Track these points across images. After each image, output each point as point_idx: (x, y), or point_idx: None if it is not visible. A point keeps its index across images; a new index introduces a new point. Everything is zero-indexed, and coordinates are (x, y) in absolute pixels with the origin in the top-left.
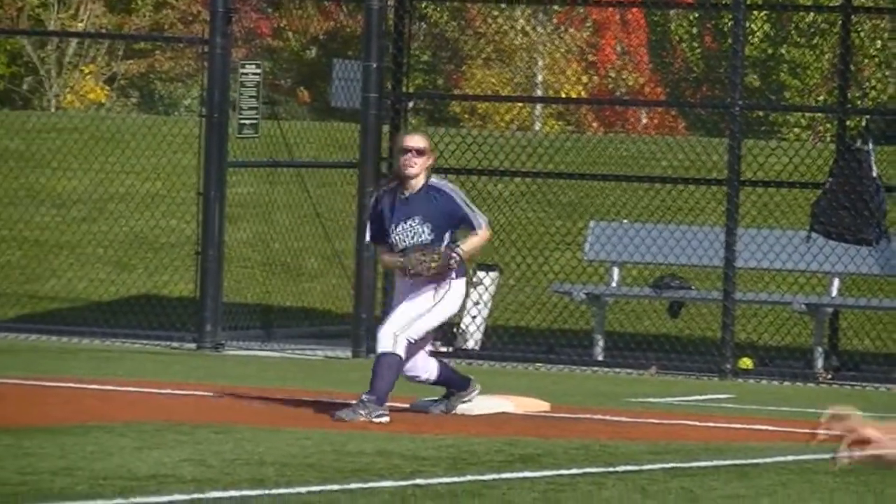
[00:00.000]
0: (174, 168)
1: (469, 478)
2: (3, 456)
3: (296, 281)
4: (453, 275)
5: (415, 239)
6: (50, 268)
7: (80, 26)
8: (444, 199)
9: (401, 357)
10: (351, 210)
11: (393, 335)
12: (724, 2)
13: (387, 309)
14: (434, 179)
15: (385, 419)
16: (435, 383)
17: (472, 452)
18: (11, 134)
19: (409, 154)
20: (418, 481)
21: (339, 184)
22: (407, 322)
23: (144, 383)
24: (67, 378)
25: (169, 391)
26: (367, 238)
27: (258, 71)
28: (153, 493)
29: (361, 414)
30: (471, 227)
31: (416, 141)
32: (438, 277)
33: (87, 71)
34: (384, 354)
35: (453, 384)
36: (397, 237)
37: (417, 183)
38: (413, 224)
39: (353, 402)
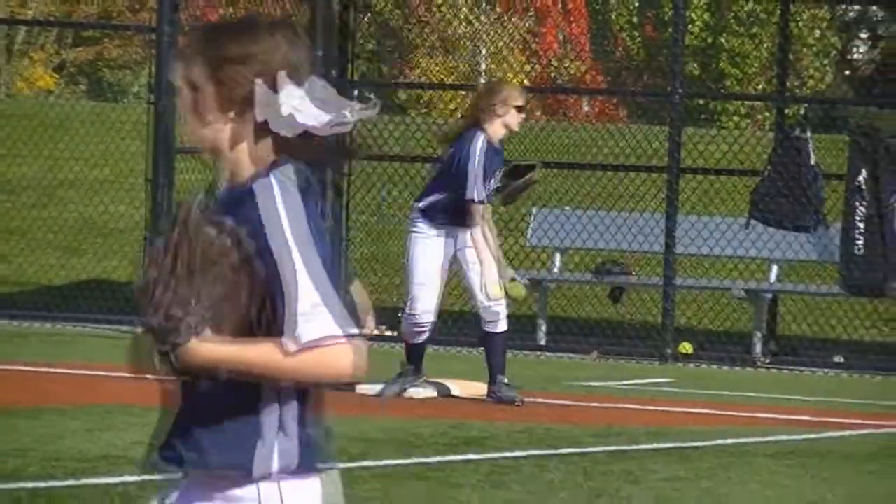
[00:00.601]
0: (122, 154)
1: (415, 460)
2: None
3: None
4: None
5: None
6: (11, 252)
7: (30, 14)
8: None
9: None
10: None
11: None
12: None
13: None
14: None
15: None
16: (421, 345)
17: (418, 435)
18: None
19: (523, 113)
20: (366, 463)
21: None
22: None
23: (95, 366)
24: (19, 361)
25: (119, 374)
26: (478, 197)
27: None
28: (104, 474)
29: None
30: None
31: (524, 98)
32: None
33: (36, 58)
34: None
35: (417, 361)
36: (492, 183)
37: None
38: (499, 172)
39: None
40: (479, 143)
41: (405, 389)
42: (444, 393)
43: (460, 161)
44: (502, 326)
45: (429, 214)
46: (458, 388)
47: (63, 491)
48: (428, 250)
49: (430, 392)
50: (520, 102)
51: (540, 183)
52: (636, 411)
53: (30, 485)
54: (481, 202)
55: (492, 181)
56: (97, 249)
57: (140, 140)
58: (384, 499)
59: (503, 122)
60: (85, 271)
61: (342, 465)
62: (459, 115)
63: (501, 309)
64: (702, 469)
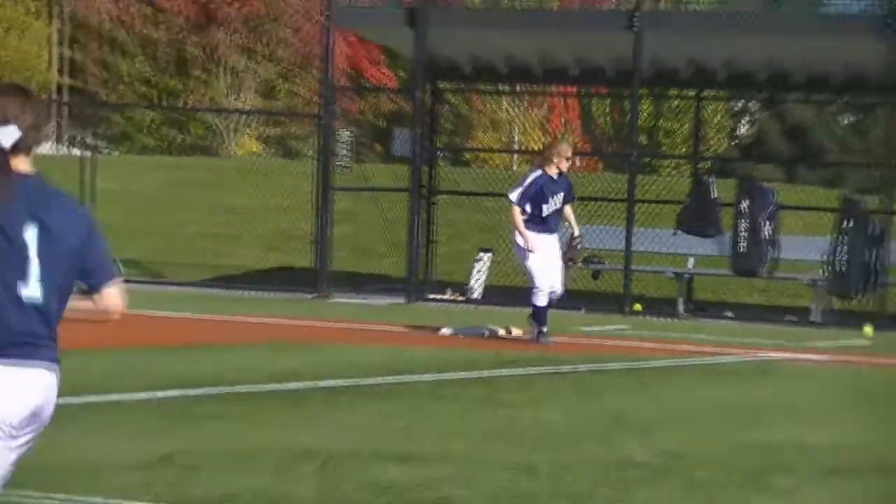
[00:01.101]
0: (300, 191)
1: (475, 374)
2: (197, 359)
3: (370, 258)
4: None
5: (557, 205)
6: (223, 251)
7: (245, 105)
8: (566, 181)
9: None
10: (404, 216)
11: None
12: (626, 92)
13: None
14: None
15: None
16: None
17: (473, 360)
18: (206, 171)
19: (566, 159)
20: (444, 376)
21: (397, 201)
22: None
23: (280, 317)
24: (236, 315)
25: (296, 322)
26: (517, 201)
27: (349, 133)
28: (288, 381)
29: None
30: (570, 200)
31: (568, 152)
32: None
33: (248, 133)
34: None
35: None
36: (552, 202)
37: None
38: (558, 196)
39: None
40: (533, 174)
41: (495, 332)
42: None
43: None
44: (542, 301)
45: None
46: (503, 330)
47: (263, 392)
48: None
49: (488, 332)
50: (567, 154)
51: None
52: (607, 344)
53: (239, 389)
54: (516, 204)
55: (551, 199)
56: (285, 248)
57: (310, 182)
58: (456, 399)
59: (556, 165)
60: (277, 261)
61: (432, 377)
62: (502, 167)
63: (541, 290)
64: (645, 377)
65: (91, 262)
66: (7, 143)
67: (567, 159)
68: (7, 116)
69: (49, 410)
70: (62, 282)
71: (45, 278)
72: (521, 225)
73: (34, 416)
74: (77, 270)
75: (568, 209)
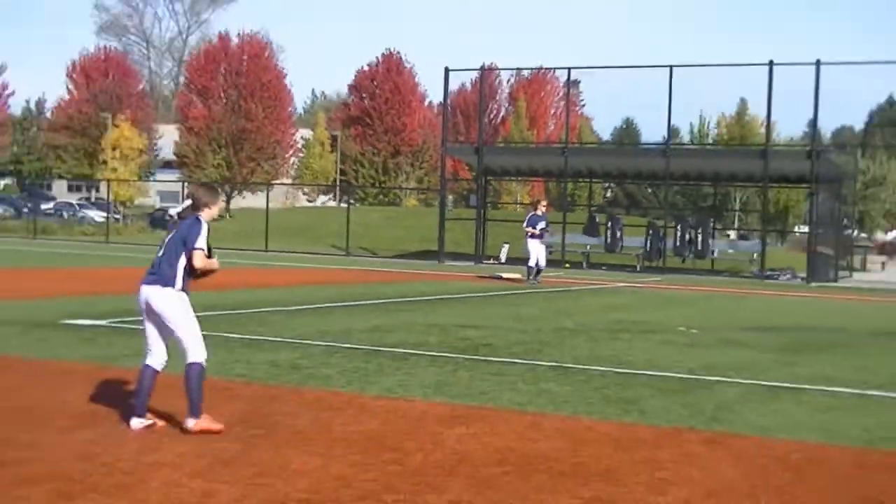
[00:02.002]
0: (434, 220)
1: (500, 292)
2: (389, 287)
3: (461, 246)
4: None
5: (542, 225)
6: (406, 243)
7: (409, 185)
8: (545, 216)
9: (537, 263)
10: (472, 230)
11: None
12: (561, 181)
13: (530, 254)
14: (544, 211)
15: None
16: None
17: (506, 286)
18: (394, 212)
19: (542, 205)
20: (490, 294)
21: (471, 223)
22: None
23: (416, 271)
24: (403, 269)
25: (426, 272)
26: (526, 224)
27: (451, 197)
28: (369, 299)
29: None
30: (547, 224)
31: (543, 202)
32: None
33: (413, 197)
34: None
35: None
36: (539, 224)
37: (541, 211)
38: (542, 222)
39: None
40: (531, 213)
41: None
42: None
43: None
44: (532, 264)
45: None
46: (512, 274)
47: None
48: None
49: (512, 275)
50: (544, 203)
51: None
52: (557, 281)
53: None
54: (527, 226)
55: (537, 225)
56: (428, 242)
57: (436, 216)
58: (487, 304)
59: (540, 208)
60: (421, 247)
61: (480, 294)
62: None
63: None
64: (571, 294)
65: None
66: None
67: (544, 205)
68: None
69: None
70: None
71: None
72: (528, 234)
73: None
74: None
75: (545, 226)
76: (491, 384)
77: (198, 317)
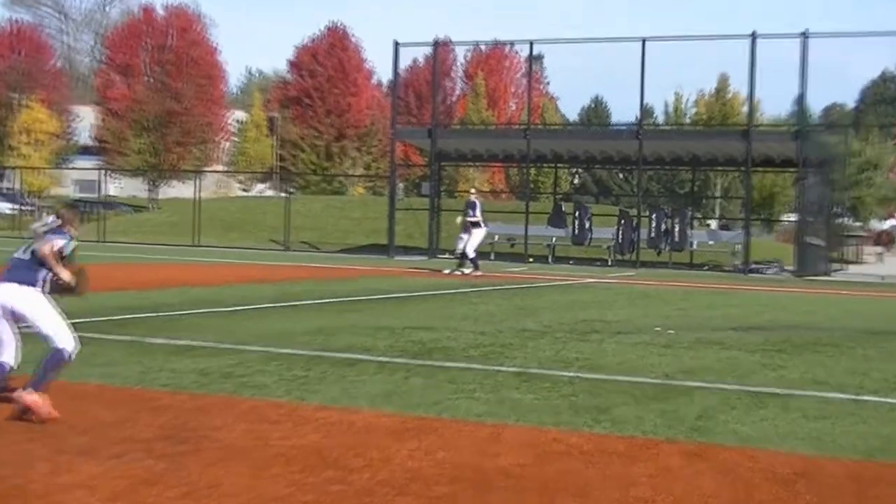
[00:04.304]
0: (383, 211)
1: (452, 290)
2: (335, 285)
3: (413, 239)
4: (479, 227)
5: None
6: (337, 238)
7: (357, 172)
8: (474, 203)
9: (476, 253)
10: (425, 221)
11: (473, 250)
12: (524, 166)
13: (458, 242)
14: (478, 197)
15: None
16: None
17: (453, 284)
18: (340, 202)
19: (472, 193)
20: (441, 291)
21: (423, 214)
22: (475, 245)
23: (371, 266)
24: (349, 265)
25: (385, 270)
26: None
27: (401, 185)
28: (364, 295)
29: (469, 273)
30: (474, 211)
31: (473, 190)
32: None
33: (359, 185)
34: (474, 256)
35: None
36: (459, 221)
37: (473, 198)
38: (464, 217)
39: (461, 270)
40: (469, 200)
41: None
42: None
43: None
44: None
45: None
46: (467, 271)
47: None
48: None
49: (457, 273)
50: (474, 190)
51: (490, 216)
52: (519, 277)
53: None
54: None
55: (469, 211)
56: (376, 235)
57: (385, 206)
58: (446, 305)
59: (476, 196)
60: (373, 241)
61: (432, 292)
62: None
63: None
64: (533, 291)
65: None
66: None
67: (474, 191)
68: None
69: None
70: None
71: None
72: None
73: None
74: None
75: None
76: (446, 392)
77: (115, 320)
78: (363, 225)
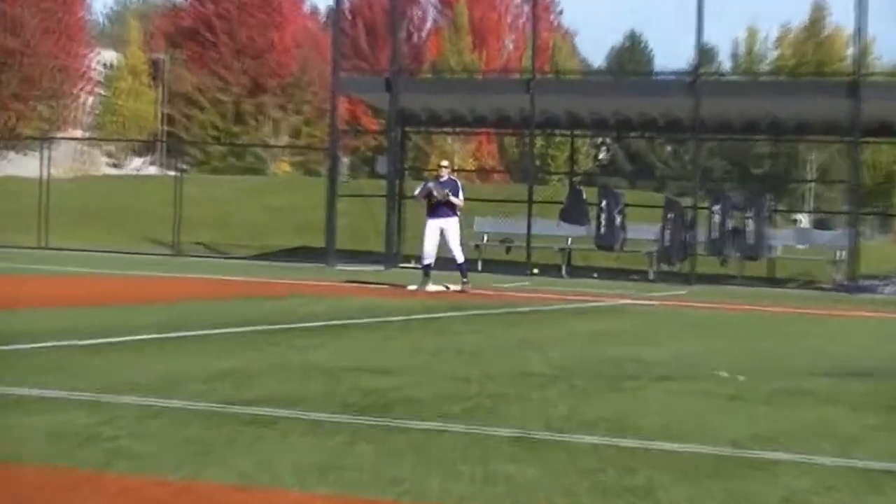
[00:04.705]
0: (318, 196)
1: (430, 315)
2: (247, 307)
3: (363, 240)
4: (456, 218)
5: (439, 199)
6: (257, 235)
7: (280, 142)
8: (454, 183)
9: (465, 259)
10: (382, 214)
11: (460, 254)
12: (525, 133)
13: (422, 236)
14: (453, 176)
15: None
16: (428, 267)
17: (431, 305)
18: (256, 184)
19: (441, 169)
20: (411, 317)
21: (379, 203)
22: (459, 245)
23: (303, 280)
24: (269, 277)
25: (313, 283)
26: (417, 193)
27: (347, 159)
28: (298, 322)
29: (469, 285)
30: (456, 195)
31: (444, 162)
32: (447, 214)
33: (283, 160)
34: (462, 263)
35: (429, 275)
36: (437, 192)
37: (445, 177)
38: (442, 188)
39: (455, 285)
40: (428, 182)
41: (425, 287)
42: (443, 289)
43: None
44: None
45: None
46: (451, 287)
47: (318, 327)
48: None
49: (437, 288)
50: (446, 164)
51: (480, 207)
52: (517, 296)
53: (287, 326)
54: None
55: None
56: (309, 233)
57: (323, 191)
58: (421, 335)
59: (443, 172)
60: (302, 242)
61: (401, 318)
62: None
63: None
64: (541, 316)
65: None
66: None
67: (446, 165)
68: None
69: None
70: None
71: None
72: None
73: None
74: None
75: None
76: (410, 465)
77: None
78: (290, 218)
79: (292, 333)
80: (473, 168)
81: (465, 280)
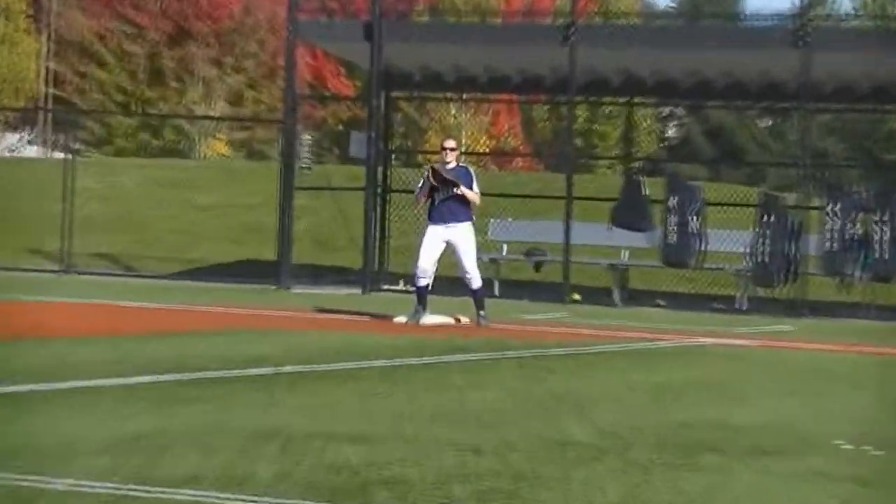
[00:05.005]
0: (266, 189)
1: (425, 359)
2: (166, 347)
3: (330, 252)
4: (470, 223)
5: (446, 195)
6: (194, 244)
7: (214, 113)
8: (466, 171)
9: (482, 285)
10: (360, 213)
11: (476, 272)
12: (561, 98)
13: (418, 247)
14: (463, 162)
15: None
16: (423, 291)
17: (428, 345)
18: (178, 171)
19: (447, 151)
20: (396, 361)
21: (354, 199)
22: (475, 261)
23: (249, 307)
24: (208, 304)
25: (260, 312)
26: (420, 188)
27: (310, 137)
28: (255, 367)
29: (487, 320)
30: (470, 188)
31: (450, 143)
32: (458, 218)
33: (218, 137)
34: (479, 288)
35: (424, 302)
36: (445, 174)
37: (451, 165)
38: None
39: (474, 317)
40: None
41: (418, 318)
42: (444, 321)
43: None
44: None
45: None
46: (449, 319)
47: (236, 379)
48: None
49: (435, 320)
50: (445, 145)
51: (494, 204)
52: (549, 331)
53: (212, 375)
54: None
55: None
56: (253, 242)
57: (275, 182)
58: (409, 380)
59: (448, 156)
60: (245, 254)
61: (384, 362)
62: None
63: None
64: (584, 360)
65: None
66: None
67: (451, 147)
68: None
69: None
70: None
71: None
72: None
73: None
74: None
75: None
76: None
77: None
78: (226, 221)
79: (230, 385)
80: (488, 150)
81: (481, 313)
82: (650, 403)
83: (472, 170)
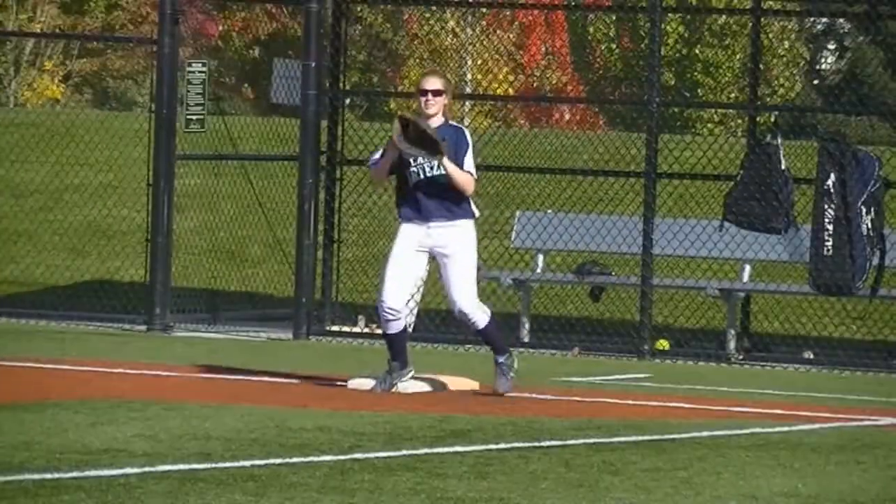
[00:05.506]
0: (126, 160)
1: (404, 452)
2: None
3: (240, 267)
4: (471, 221)
5: (430, 171)
6: (8, 254)
7: (37, 27)
8: (458, 134)
9: (491, 316)
10: (291, 200)
11: (477, 307)
12: (640, 4)
13: (384, 262)
14: (455, 122)
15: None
16: (398, 337)
17: (406, 428)
18: None
19: (428, 95)
20: (356, 455)
21: (281, 175)
22: (472, 288)
23: (98, 363)
24: (25, 358)
25: (121, 370)
26: (377, 158)
27: (204, 69)
28: (106, 466)
29: (511, 379)
30: (460, 160)
31: (433, 83)
32: (443, 213)
33: (43, 69)
34: (486, 325)
35: (402, 355)
36: (416, 164)
37: (437, 121)
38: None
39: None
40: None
41: (393, 384)
42: (436, 387)
43: None
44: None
45: None
46: (445, 382)
47: (67, 482)
48: None
49: (422, 386)
50: (423, 87)
51: (523, 187)
52: (615, 405)
53: (35, 476)
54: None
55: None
56: (101, 251)
57: (142, 147)
58: (374, 489)
59: (430, 107)
60: (89, 272)
61: (335, 458)
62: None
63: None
64: (678, 460)
65: None
66: None
67: (429, 94)
68: None
69: None
70: None
71: None
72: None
73: None
74: None
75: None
76: None
77: None
78: (62, 214)
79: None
80: (512, 92)
81: (502, 360)
82: None
83: (468, 133)
